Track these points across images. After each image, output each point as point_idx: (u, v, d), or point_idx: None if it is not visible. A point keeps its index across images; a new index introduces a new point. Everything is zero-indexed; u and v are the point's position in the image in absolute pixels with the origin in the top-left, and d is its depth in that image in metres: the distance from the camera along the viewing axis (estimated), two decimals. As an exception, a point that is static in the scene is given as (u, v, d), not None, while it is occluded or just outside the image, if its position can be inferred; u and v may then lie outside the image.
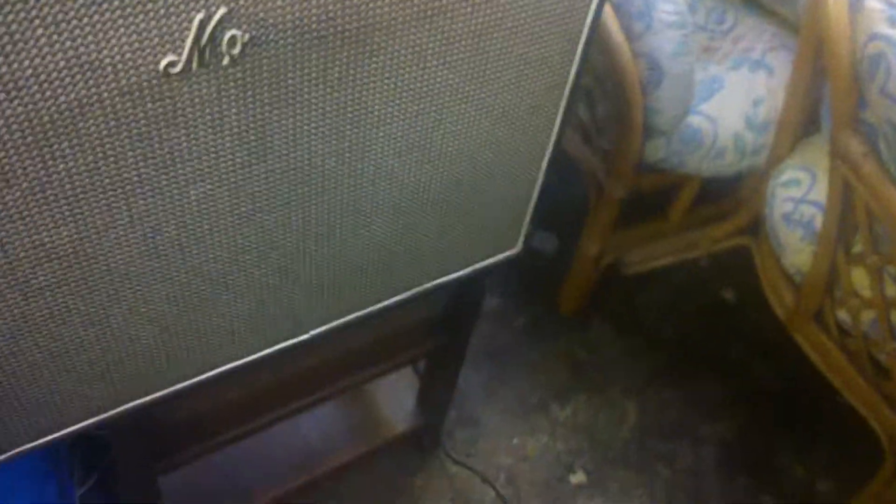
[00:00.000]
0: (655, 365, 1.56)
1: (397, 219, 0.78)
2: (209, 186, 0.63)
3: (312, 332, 0.84)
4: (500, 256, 0.94)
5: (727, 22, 1.43)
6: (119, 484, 0.95)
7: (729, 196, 1.44)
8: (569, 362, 1.54)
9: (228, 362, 0.81)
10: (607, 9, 1.12)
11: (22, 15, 0.46)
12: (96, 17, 0.48)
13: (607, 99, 1.23)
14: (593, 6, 0.71)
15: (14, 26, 0.46)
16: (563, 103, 0.79)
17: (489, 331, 1.55)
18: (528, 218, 0.91)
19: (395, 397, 1.23)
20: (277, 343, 0.83)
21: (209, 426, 0.92)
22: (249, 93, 0.58)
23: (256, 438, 1.10)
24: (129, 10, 0.49)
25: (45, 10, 0.46)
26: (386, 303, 0.88)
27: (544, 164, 0.85)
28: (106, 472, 1.25)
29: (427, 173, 0.75)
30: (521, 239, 0.94)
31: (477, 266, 0.92)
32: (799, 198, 1.15)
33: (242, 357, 0.81)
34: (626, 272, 1.58)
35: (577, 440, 1.46)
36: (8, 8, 0.45)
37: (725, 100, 1.26)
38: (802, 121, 1.23)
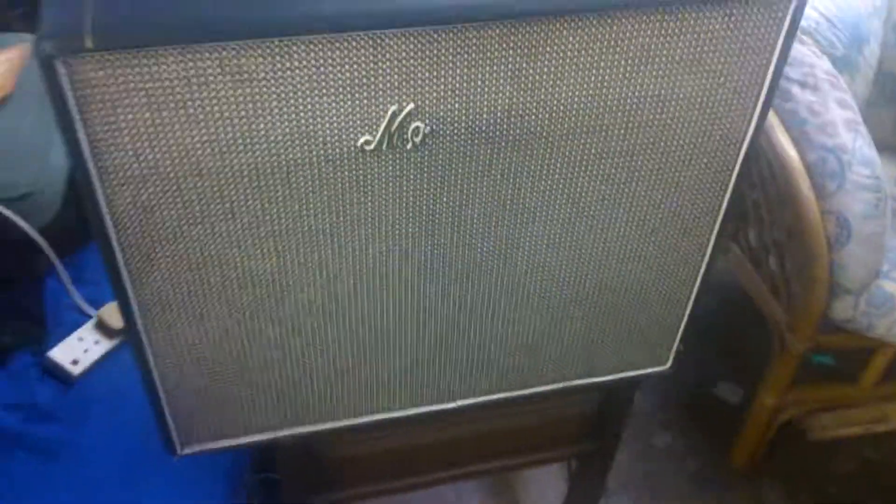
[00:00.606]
0: (829, 540, 1.47)
1: (546, 311, 0.87)
2: (383, 249, 0.76)
3: (460, 403, 0.94)
4: (648, 371, 0.99)
5: (945, 197, 1.40)
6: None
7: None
8: (733, 518, 1.49)
9: (382, 413, 0.92)
10: (798, 166, 1.17)
11: (262, 89, 0.62)
12: (316, 99, 0.64)
13: (796, 253, 1.25)
14: (747, 141, 0.78)
15: (256, 98, 0.63)
16: (716, 229, 0.85)
17: (656, 467, 1.55)
18: (678, 338, 0.96)
19: (544, 499, 1.28)
20: (427, 405, 0.93)
21: (360, 473, 1.03)
22: (425, 175, 0.72)
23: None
24: (340, 97, 0.65)
25: (280, 87, 0.63)
26: (532, 391, 0.96)
27: (696, 288, 0.91)
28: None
29: (576, 274, 0.84)
30: (671, 357, 0.98)
31: (622, 375, 0.98)
32: None
33: (395, 411, 0.92)
34: (810, 436, 1.52)
35: None
36: (252, 84, 0.62)
37: (924, 269, 1.23)
38: None
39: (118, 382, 1.26)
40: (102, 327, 1.31)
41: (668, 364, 1.00)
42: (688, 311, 0.94)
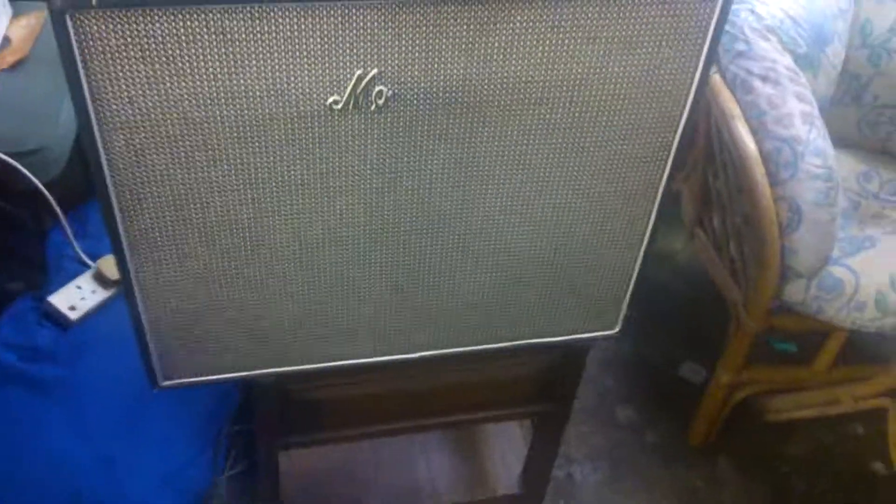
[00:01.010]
0: (779, 519, 1.55)
1: (500, 269, 0.95)
2: (350, 201, 0.85)
3: (421, 354, 1.03)
4: (598, 334, 1.07)
5: (902, 194, 1.48)
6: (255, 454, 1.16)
7: (877, 355, 1.45)
8: (687, 491, 1.57)
9: (349, 358, 1.01)
10: (754, 154, 1.25)
11: (242, 48, 0.71)
12: (290, 60, 0.73)
13: (751, 237, 1.33)
14: (683, 119, 0.86)
15: (237, 56, 0.71)
16: (657, 200, 0.93)
17: (617, 437, 1.63)
18: (625, 303, 1.04)
19: (504, 461, 1.36)
20: (391, 354, 1.02)
21: (329, 418, 1.12)
22: (388, 135, 0.80)
23: (371, 460, 1.29)
24: (312, 59, 0.73)
25: (258, 47, 0.71)
26: (487, 346, 1.04)
27: (641, 255, 0.99)
28: (254, 466, 1.48)
29: (527, 235, 0.93)
30: (619, 322, 1.06)
31: (573, 337, 1.06)
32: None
33: (360, 357, 1.01)
34: (766, 418, 1.60)
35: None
36: (234, 44, 0.70)
37: (873, 257, 1.31)
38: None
39: (112, 329, 1.35)
40: (100, 278, 1.40)
41: (617, 329, 1.08)
42: (634, 278, 1.02)
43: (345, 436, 1.15)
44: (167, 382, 0.99)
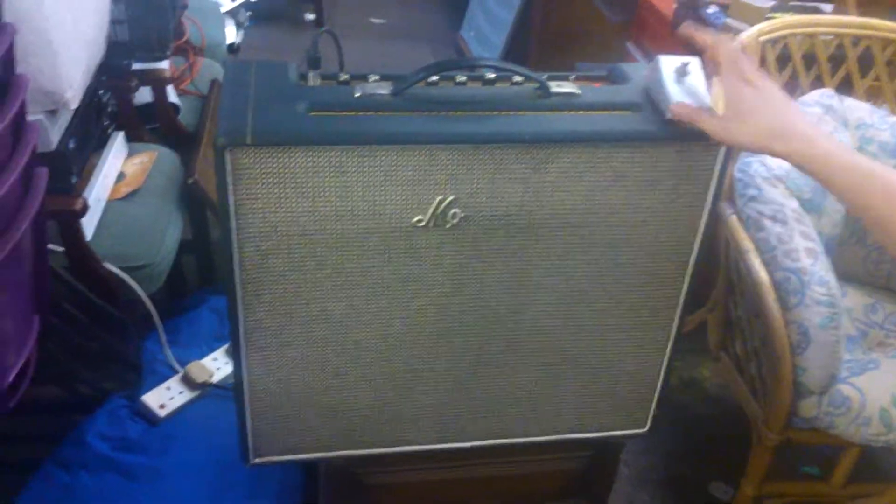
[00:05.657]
0: None
1: (544, 368, 1.13)
2: (424, 303, 1.04)
3: (474, 443, 1.18)
4: (629, 432, 1.22)
5: (905, 324, 1.64)
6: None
7: (889, 471, 1.56)
8: None
9: (411, 444, 1.17)
10: (767, 283, 1.42)
11: (352, 178, 0.92)
12: (387, 188, 0.94)
13: (768, 357, 1.49)
14: (698, 241, 1.05)
15: (347, 184, 0.93)
16: (678, 314, 1.11)
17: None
18: (653, 404, 1.20)
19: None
20: (448, 442, 1.17)
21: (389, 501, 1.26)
22: (459, 248, 1.00)
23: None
24: (403, 187, 0.94)
25: (364, 178, 0.93)
26: (531, 439, 1.20)
27: (665, 360, 1.16)
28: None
29: (569, 338, 1.10)
30: (649, 422, 1.22)
31: (607, 433, 1.21)
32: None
33: (421, 444, 1.17)
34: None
35: None
36: (346, 175, 0.92)
37: (876, 377, 1.45)
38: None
39: (195, 425, 1.53)
40: (187, 380, 1.58)
41: (646, 428, 1.23)
42: (660, 382, 1.18)
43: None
44: (258, 460, 1.15)
